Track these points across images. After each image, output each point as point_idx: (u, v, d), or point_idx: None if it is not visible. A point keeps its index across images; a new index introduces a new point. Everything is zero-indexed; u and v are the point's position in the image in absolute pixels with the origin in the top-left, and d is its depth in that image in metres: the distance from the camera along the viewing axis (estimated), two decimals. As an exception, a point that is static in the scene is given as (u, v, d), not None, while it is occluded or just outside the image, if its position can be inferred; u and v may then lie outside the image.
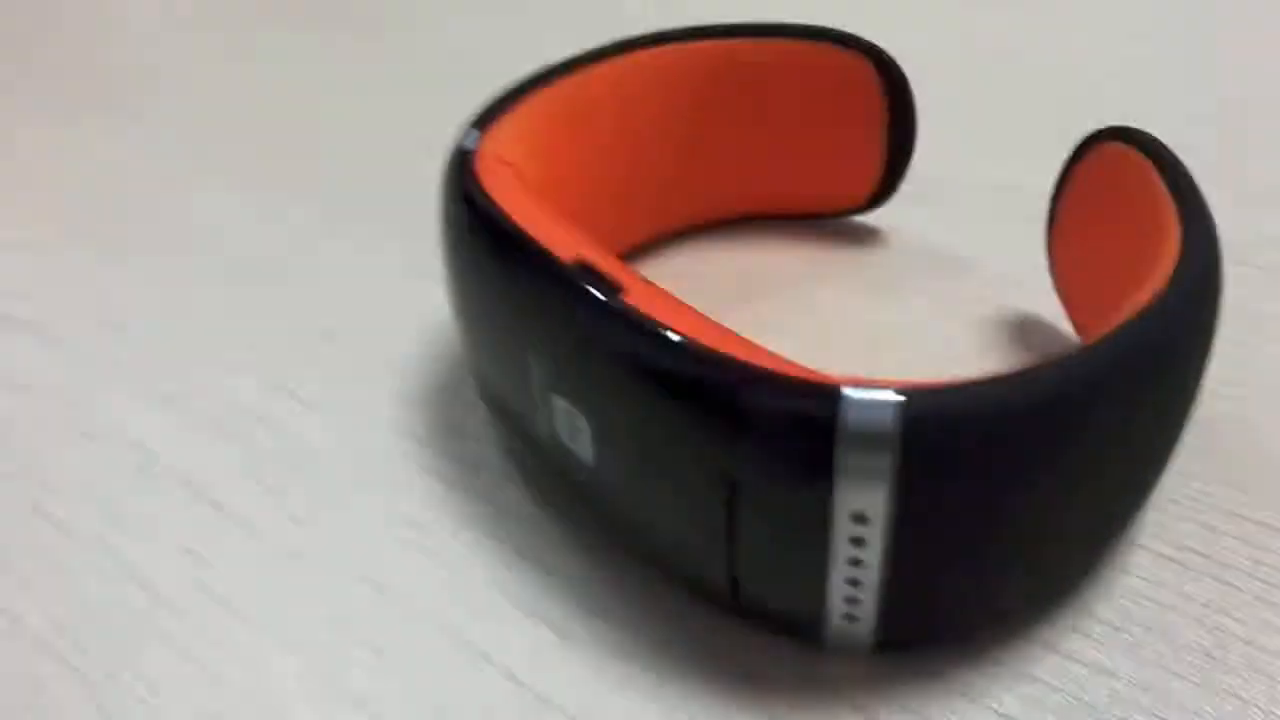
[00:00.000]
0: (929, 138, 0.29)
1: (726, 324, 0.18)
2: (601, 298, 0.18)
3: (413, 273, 0.30)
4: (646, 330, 0.18)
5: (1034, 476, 0.17)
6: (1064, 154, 0.24)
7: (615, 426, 0.19)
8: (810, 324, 0.27)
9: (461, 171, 0.22)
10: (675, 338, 0.17)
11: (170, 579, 0.22)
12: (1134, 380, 0.17)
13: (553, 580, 0.21)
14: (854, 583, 0.17)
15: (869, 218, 0.30)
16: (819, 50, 0.27)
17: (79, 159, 0.39)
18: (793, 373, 0.16)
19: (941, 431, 0.16)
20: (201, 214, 0.35)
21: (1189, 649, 0.19)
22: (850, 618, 0.18)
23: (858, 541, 0.17)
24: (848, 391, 0.16)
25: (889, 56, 0.27)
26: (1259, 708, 0.18)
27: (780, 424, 0.16)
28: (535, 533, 0.22)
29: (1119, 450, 0.17)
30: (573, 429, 0.20)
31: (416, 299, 0.29)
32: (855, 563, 0.17)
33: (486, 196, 0.21)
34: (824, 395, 0.16)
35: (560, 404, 0.20)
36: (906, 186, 0.29)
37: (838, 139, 0.29)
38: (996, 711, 0.18)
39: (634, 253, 0.29)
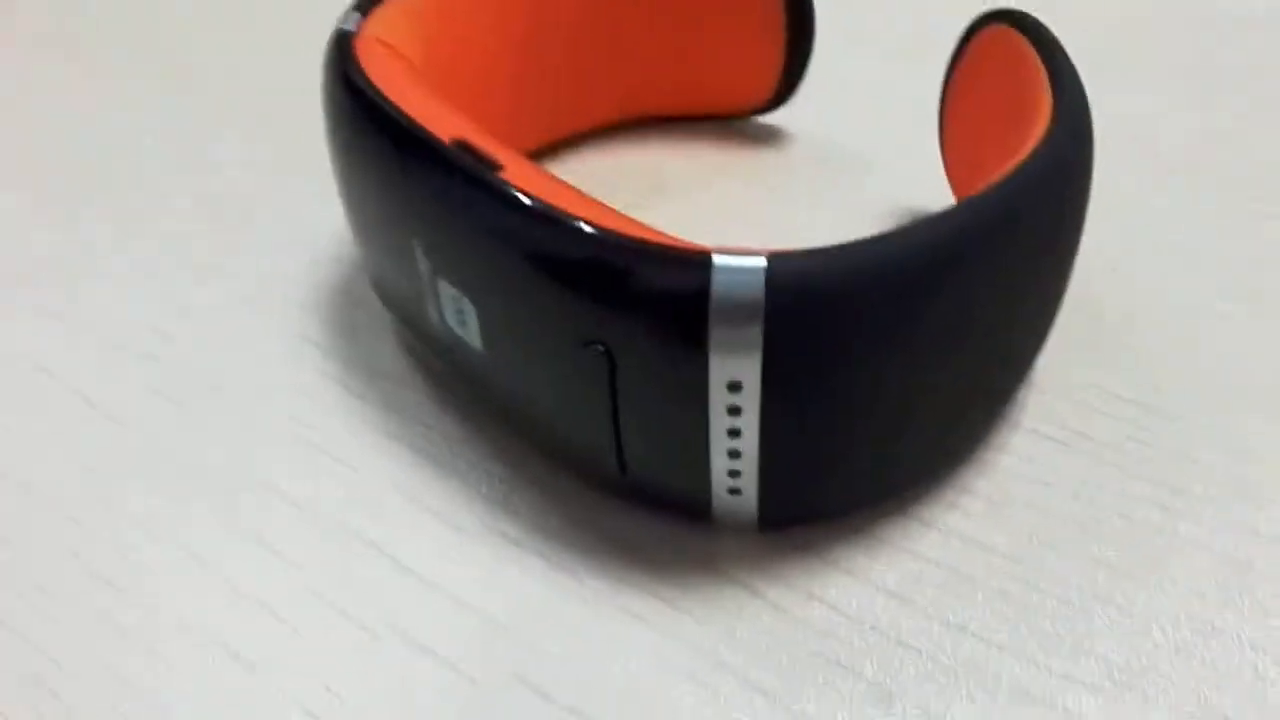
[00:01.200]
0: (830, 38, 0.28)
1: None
2: (478, 175, 0.18)
3: (294, 171, 0.29)
4: (521, 205, 0.17)
5: (903, 337, 0.17)
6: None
7: (498, 308, 0.19)
8: (710, 222, 0.27)
9: (340, 54, 0.21)
10: (550, 212, 0.17)
11: (68, 491, 0.22)
12: (998, 237, 0.17)
13: (450, 478, 0.21)
14: (734, 454, 0.18)
15: (771, 118, 0.30)
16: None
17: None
18: (665, 242, 0.16)
19: (807, 290, 0.16)
20: (76, 124, 0.34)
21: (1063, 522, 0.19)
22: (734, 491, 0.18)
23: (734, 410, 0.17)
24: (717, 259, 0.16)
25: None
26: (1130, 575, 0.18)
27: (653, 291, 0.16)
28: (432, 430, 0.22)
29: (990, 313, 0.18)
30: (460, 315, 0.20)
31: (296, 200, 0.28)
32: (734, 433, 0.17)
33: (365, 77, 0.21)
34: (695, 262, 0.16)
35: (447, 290, 0.19)
36: (808, 86, 0.29)
37: (737, 38, 0.28)
38: (879, 587, 0.19)
39: (533, 155, 0.29)
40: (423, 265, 0.20)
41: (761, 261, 0.16)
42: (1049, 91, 0.19)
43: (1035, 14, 0.22)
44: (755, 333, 0.16)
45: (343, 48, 0.21)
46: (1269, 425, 0.21)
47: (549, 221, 0.17)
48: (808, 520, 0.20)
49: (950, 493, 0.20)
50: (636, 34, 0.28)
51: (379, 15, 0.23)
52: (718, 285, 0.16)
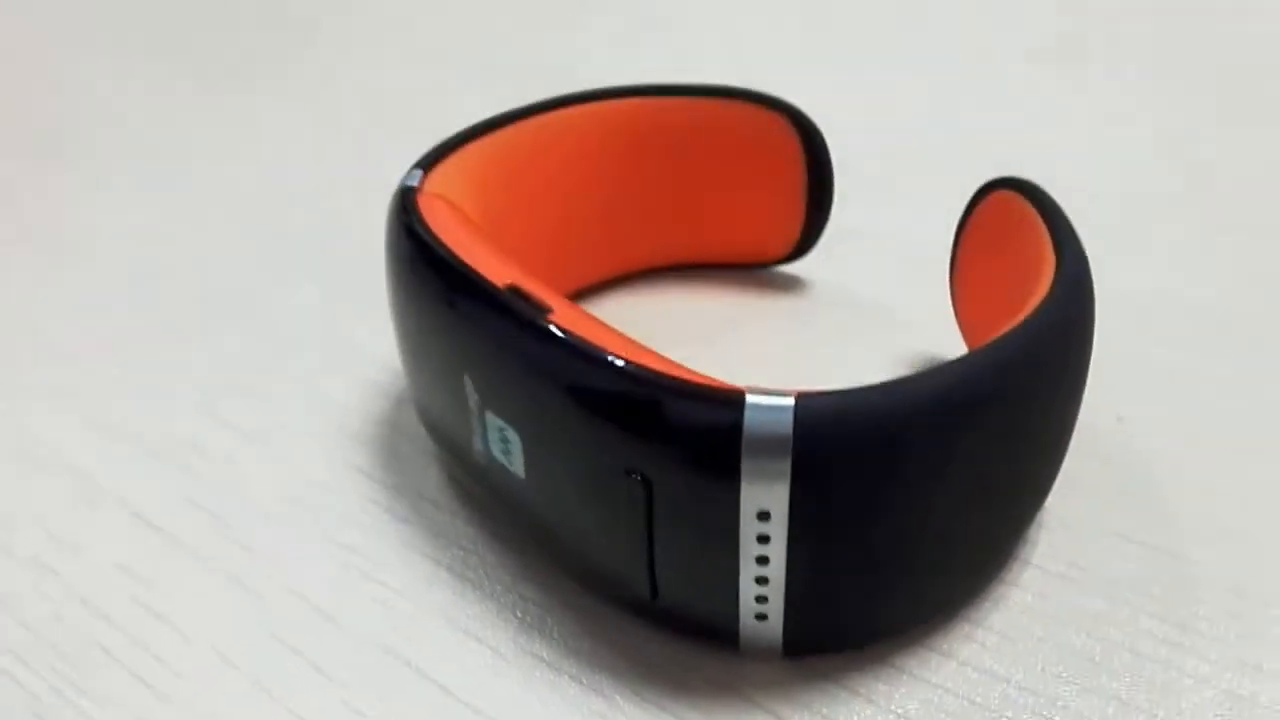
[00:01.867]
0: (848, 192, 0.30)
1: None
2: (529, 317, 0.20)
3: (351, 314, 0.31)
4: (568, 345, 0.19)
5: (924, 475, 0.18)
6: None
7: (542, 439, 0.20)
8: (735, 364, 0.28)
9: (404, 206, 0.23)
10: (594, 351, 0.19)
11: (110, 599, 0.23)
12: (1016, 380, 0.19)
13: (487, 600, 0.23)
14: (762, 580, 0.19)
15: (793, 267, 0.32)
16: (742, 109, 0.30)
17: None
18: (702, 381, 0.18)
19: (833, 428, 0.17)
20: (137, 248, 0.36)
21: (1076, 656, 0.20)
22: (761, 616, 0.19)
23: (763, 539, 0.18)
24: (750, 397, 0.17)
25: (806, 117, 0.29)
26: (1139, 708, 0.19)
27: (691, 426, 0.18)
28: (471, 554, 0.24)
29: (1005, 455, 0.19)
30: (505, 445, 0.21)
31: (362, 336, 0.30)
32: (762, 560, 0.18)
33: (427, 228, 0.23)
34: (729, 401, 0.18)
35: (494, 421, 0.21)
36: (828, 237, 0.31)
37: (760, 194, 0.31)
38: (899, 714, 0.20)
39: (572, 296, 0.31)
40: (472, 399, 0.21)
41: (790, 401, 0.17)
42: (1052, 252, 0.21)
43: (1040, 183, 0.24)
44: (784, 466, 0.18)
45: (406, 201, 0.24)
46: (1272, 566, 0.22)
47: (593, 360, 0.19)
48: (831, 649, 0.21)
49: (966, 626, 0.21)
50: (669, 191, 0.31)
51: (439, 172, 0.25)
52: (750, 422, 0.17)
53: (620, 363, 0.19)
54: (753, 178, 0.30)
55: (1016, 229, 0.23)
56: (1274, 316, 0.29)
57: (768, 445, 0.17)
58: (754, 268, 0.32)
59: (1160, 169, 0.37)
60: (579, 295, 0.31)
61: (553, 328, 0.19)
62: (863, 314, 0.30)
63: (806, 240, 0.31)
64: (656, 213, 0.31)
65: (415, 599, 0.23)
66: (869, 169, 0.34)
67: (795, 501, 0.18)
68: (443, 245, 0.22)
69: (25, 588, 0.23)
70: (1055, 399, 0.20)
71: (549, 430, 0.20)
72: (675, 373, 0.18)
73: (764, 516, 0.18)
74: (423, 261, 0.22)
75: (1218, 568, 0.22)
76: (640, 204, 0.31)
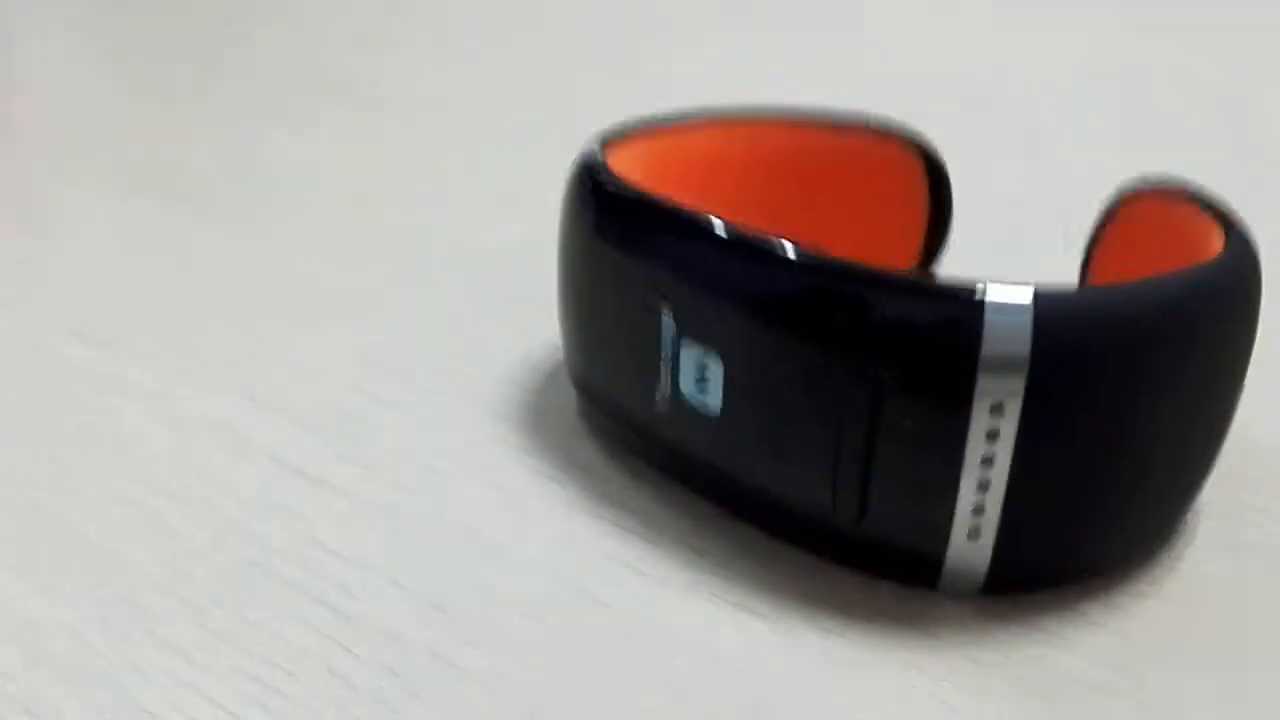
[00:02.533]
0: (963, 228, 0.32)
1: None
2: (751, 233, 0.21)
3: (482, 312, 0.32)
4: (799, 252, 0.20)
5: (1161, 378, 0.19)
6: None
7: (754, 359, 0.21)
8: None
9: (591, 164, 0.25)
10: (827, 258, 0.20)
11: (280, 534, 0.23)
12: (1239, 291, 0.20)
13: (657, 549, 0.23)
14: (984, 486, 0.19)
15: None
16: (875, 142, 0.31)
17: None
18: (938, 280, 0.19)
19: (1072, 327, 0.19)
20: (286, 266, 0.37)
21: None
22: (974, 534, 0.20)
23: (992, 436, 0.19)
24: (991, 289, 0.18)
25: (936, 153, 0.31)
26: None
27: (930, 323, 0.19)
28: (635, 515, 0.24)
29: (1225, 369, 0.20)
30: (702, 380, 0.22)
31: (485, 332, 0.31)
32: (987, 462, 0.19)
33: (619, 179, 0.24)
34: (966, 296, 0.19)
35: (692, 354, 0.22)
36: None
37: (884, 224, 0.32)
38: (1099, 659, 0.20)
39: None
40: (667, 335, 0.22)
41: (1027, 296, 0.18)
42: (1220, 231, 0.22)
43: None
44: (1020, 365, 0.18)
45: (593, 160, 0.25)
46: None
47: (826, 264, 0.20)
48: (1030, 584, 0.21)
49: (1143, 585, 0.22)
50: (802, 213, 0.32)
51: (615, 151, 0.27)
52: (990, 317, 0.18)
53: (853, 265, 0.20)
54: (878, 207, 0.32)
55: (1174, 224, 0.24)
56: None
57: (1006, 342, 0.18)
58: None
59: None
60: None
61: (776, 240, 0.20)
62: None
63: (926, 260, 0.33)
64: (785, 230, 0.33)
65: (582, 543, 0.23)
66: (984, 197, 0.35)
67: (1030, 399, 0.19)
68: (645, 190, 0.23)
69: (189, 526, 0.23)
70: (1245, 342, 0.21)
71: (766, 346, 0.21)
72: (910, 272, 0.19)
73: (996, 410, 0.19)
74: (620, 205, 0.23)
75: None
76: (772, 220, 0.32)
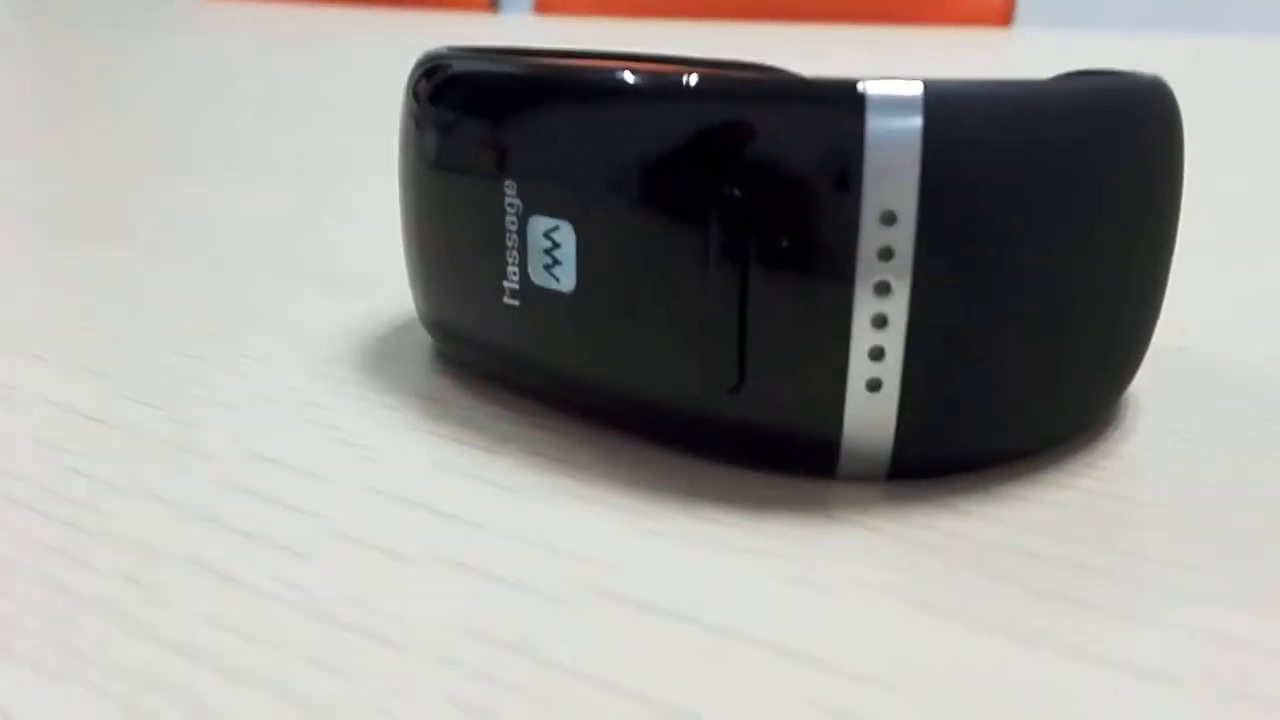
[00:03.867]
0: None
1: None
2: (594, 69, 0.19)
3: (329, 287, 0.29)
4: (643, 76, 0.18)
5: (1078, 198, 0.17)
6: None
7: (607, 219, 0.18)
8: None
9: (429, 58, 0.22)
10: (675, 77, 0.17)
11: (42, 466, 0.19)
12: (1155, 118, 0.18)
13: (503, 455, 0.20)
14: (880, 322, 0.16)
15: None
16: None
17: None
18: (811, 80, 0.16)
19: (974, 123, 0.16)
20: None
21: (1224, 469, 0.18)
22: (874, 385, 0.17)
23: (885, 253, 0.16)
24: (870, 86, 0.16)
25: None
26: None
27: (803, 129, 0.16)
28: (482, 429, 0.21)
29: (1144, 208, 0.18)
30: (551, 258, 0.19)
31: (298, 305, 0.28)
32: (883, 289, 0.16)
33: (461, 55, 0.21)
34: (845, 92, 0.16)
35: (540, 229, 0.19)
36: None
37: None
38: (1029, 527, 0.17)
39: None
40: (511, 214, 0.19)
41: (917, 90, 0.16)
42: None
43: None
44: (912, 169, 0.16)
45: (433, 54, 0.22)
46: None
47: (675, 82, 0.17)
48: (939, 466, 0.18)
49: (1076, 464, 0.19)
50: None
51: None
52: (872, 120, 0.16)
53: (700, 75, 0.17)
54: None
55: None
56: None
57: (890, 147, 0.16)
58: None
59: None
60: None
61: (629, 71, 0.18)
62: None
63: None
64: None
65: (427, 459, 0.19)
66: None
67: (925, 213, 0.16)
68: (492, 50, 0.21)
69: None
70: (1179, 177, 0.19)
71: (615, 193, 0.18)
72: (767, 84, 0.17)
73: (889, 219, 0.16)
74: (452, 83, 0.21)
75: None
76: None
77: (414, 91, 0.22)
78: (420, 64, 0.22)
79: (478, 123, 0.20)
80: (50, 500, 0.18)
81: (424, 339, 0.24)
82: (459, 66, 0.21)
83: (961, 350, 0.17)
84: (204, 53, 0.77)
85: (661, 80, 0.17)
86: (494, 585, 0.15)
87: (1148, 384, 0.22)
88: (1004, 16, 0.96)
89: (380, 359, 0.24)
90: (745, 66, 0.29)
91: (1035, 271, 0.17)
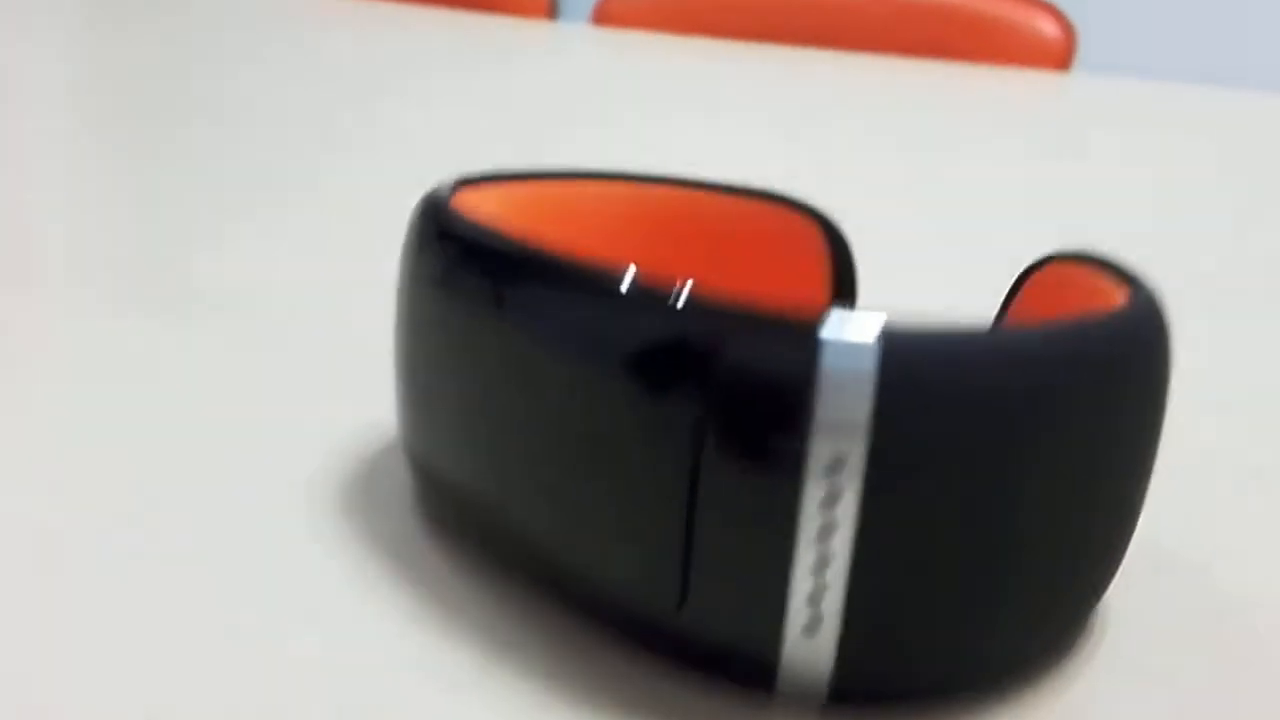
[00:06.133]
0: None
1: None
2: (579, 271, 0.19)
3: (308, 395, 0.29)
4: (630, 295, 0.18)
5: (1024, 446, 0.17)
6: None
7: (565, 408, 0.18)
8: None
9: (434, 208, 0.22)
10: (661, 295, 0.18)
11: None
12: (1138, 349, 0.18)
13: (463, 649, 0.20)
14: (821, 566, 0.17)
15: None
16: (771, 211, 0.29)
17: None
18: (769, 310, 0.16)
19: (925, 375, 0.16)
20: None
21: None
22: (810, 628, 0.17)
23: (829, 500, 0.16)
24: (827, 333, 0.16)
25: (835, 225, 0.29)
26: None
27: (756, 363, 0.16)
28: (452, 606, 0.21)
29: (1096, 452, 0.18)
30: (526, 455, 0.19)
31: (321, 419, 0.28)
32: (825, 532, 0.16)
33: (461, 216, 0.21)
34: (802, 333, 0.16)
35: (515, 425, 0.19)
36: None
37: (785, 292, 0.30)
38: None
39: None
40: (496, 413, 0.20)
41: (872, 337, 0.16)
42: (1124, 289, 0.20)
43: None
44: (862, 415, 0.16)
45: (436, 204, 0.22)
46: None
47: (651, 301, 0.17)
48: (879, 694, 0.18)
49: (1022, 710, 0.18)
50: (696, 274, 0.30)
51: (472, 193, 0.24)
52: (826, 360, 0.16)
53: (663, 292, 0.17)
54: (778, 279, 0.30)
55: (1080, 291, 0.22)
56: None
57: (844, 388, 0.16)
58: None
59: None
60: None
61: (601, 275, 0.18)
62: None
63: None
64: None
65: (368, 642, 0.20)
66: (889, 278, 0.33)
67: (873, 460, 0.16)
68: (480, 225, 0.21)
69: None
70: (1140, 412, 0.19)
71: (584, 406, 0.18)
72: (740, 305, 0.17)
73: (834, 467, 0.16)
74: (458, 248, 0.21)
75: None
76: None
77: (422, 223, 0.22)
78: (431, 199, 0.23)
79: (464, 295, 0.20)
80: None
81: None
82: (456, 227, 0.21)
83: (901, 592, 0.17)
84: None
85: (636, 292, 0.18)
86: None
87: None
88: (1063, 59, 0.94)
89: (363, 491, 0.24)
90: (765, 196, 0.29)
91: (978, 520, 0.17)
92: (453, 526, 0.23)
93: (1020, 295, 0.25)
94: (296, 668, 0.18)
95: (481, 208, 0.24)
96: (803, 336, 0.16)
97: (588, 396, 0.18)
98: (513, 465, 0.20)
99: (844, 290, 0.29)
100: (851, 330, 0.16)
